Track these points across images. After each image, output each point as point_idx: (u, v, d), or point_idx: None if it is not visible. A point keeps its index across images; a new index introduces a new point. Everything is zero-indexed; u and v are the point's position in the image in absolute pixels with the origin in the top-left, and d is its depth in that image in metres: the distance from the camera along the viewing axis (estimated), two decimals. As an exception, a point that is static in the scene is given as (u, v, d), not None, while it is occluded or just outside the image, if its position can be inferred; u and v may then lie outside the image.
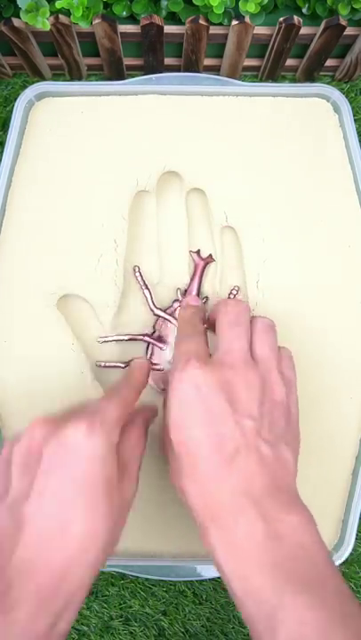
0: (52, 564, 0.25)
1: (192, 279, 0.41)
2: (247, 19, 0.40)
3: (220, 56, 0.46)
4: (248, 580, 0.25)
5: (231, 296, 0.41)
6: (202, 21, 0.40)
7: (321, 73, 0.48)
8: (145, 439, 0.32)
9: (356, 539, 0.40)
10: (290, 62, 0.47)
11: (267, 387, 0.30)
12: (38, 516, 0.25)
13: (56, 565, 0.25)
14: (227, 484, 0.27)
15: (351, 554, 0.38)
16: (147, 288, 0.41)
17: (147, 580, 0.43)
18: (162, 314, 0.41)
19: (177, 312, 0.41)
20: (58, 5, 0.38)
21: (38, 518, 0.25)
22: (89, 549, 0.25)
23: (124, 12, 0.42)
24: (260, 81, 0.48)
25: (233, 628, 0.43)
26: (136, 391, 0.32)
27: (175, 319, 0.41)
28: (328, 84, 0.47)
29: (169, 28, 0.42)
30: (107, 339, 0.40)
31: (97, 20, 0.39)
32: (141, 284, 0.41)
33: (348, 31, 0.42)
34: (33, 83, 0.45)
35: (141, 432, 0.31)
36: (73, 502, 0.26)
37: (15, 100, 0.42)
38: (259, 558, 0.25)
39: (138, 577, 0.43)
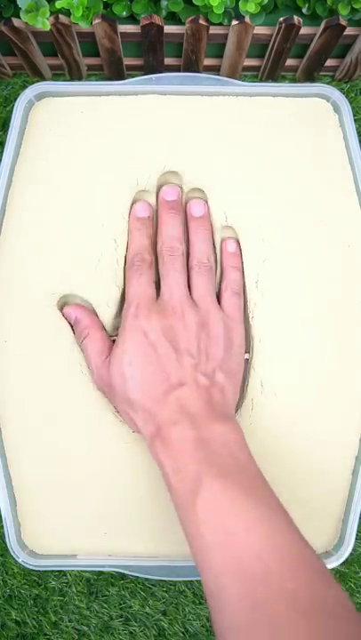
0: None
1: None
2: (247, 19, 0.40)
3: (220, 56, 0.46)
4: (180, 471, 0.31)
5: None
6: (202, 21, 0.40)
7: (321, 73, 0.48)
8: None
9: (357, 539, 0.40)
10: (290, 62, 0.47)
11: (205, 325, 0.36)
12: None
13: None
14: (168, 407, 0.33)
15: (351, 554, 0.38)
16: None
17: (147, 579, 0.43)
18: None
19: None
20: (58, 5, 0.38)
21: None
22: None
23: (124, 12, 0.42)
24: (260, 81, 0.48)
25: (233, 627, 0.43)
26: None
27: None
28: (328, 83, 0.47)
29: (169, 28, 0.42)
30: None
31: (97, 20, 0.39)
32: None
33: (349, 31, 0.42)
34: (33, 83, 0.45)
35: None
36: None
37: (15, 99, 0.42)
38: (189, 455, 0.31)
39: (138, 577, 0.43)
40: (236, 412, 0.39)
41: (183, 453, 0.32)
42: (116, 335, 0.40)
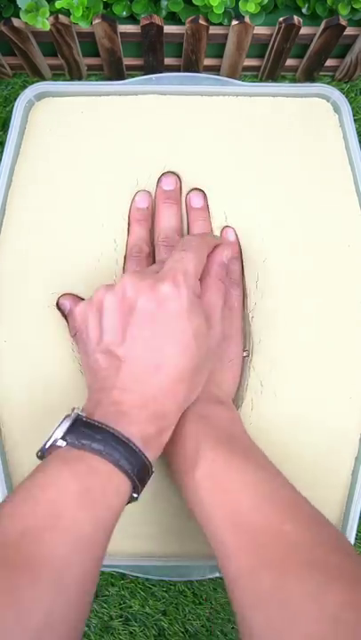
0: (147, 395, 0.29)
1: None
2: (247, 19, 0.40)
3: (220, 56, 0.46)
4: (182, 444, 0.32)
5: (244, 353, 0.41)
6: (202, 21, 0.40)
7: (321, 73, 0.48)
8: (223, 285, 0.36)
9: (357, 539, 0.40)
10: (290, 62, 0.47)
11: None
12: (133, 357, 0.30)
13: (151, 395, 0.29)
14: (175, 398, 0.32)
15: (351, 554, 0.38)
16: None
17: (147, 580, 0.43)
18: None
19: None
20: (58, 5, 0.38)
21: (133, 359, 0.30)
22: (179, 387, 0.30)
23: (124, 12, 0.42)
24: (260, 81, 0.48)
25: (233, 627, 0.43)
26: (208, 246, 0.36)
27: None
28: (328, 83, 0.47)
29: (169, 28, 0.42)
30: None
31: (97, 20, 0.39)
32: None
33: (349, 31, 0.42)
34: (33, 83, 0.45)
35: (218, 282, 0.36)
36: (164, 347, 0.30)
37: (15, 99, 0.42)
38: (189, 430, 0.32)
39: (138, 577, 0.43)
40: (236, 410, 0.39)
41: (184, 431, 0.32)
42: None
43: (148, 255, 0.39)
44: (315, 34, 0.42)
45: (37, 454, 0.29)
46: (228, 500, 0.29)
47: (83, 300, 0.39)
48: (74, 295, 0.39)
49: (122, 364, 0.30)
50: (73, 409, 0.29)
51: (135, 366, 0.30)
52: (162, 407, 0.30)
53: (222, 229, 0.41)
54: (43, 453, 0.28)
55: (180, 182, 0.42)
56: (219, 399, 0.35)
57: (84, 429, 0.28)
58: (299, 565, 0.25)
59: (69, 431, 0.28)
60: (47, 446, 0.28)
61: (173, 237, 0.39)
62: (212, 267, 0.36)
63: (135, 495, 0.29)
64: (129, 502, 0.29)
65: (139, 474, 0.28)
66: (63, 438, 0.28)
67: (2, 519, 0.25)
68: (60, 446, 0.28)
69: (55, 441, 0.28)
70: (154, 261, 0.39)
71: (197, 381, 0.32)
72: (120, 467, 0.27)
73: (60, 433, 0.28)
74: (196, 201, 0.41)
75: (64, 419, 0.29)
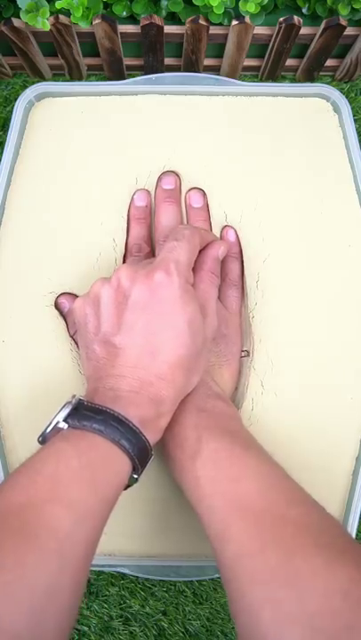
0: (145, 380, 0.30)
1: None
2: (247, 19, 0.40)
3: (220, 56, 0.46)
4: (183, 436, 0.32)
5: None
6: (202, 21, 0.40)
7: (321, 73, 0.48)
8: (216, 278, 0.36)
9: (357, 539, 0.40)
10: (290, 62, 0.47)
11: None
12: (130, 345, 0.31)
13: (148, 381, 0.30)
14: (173, 384, 0.32)
15: (351, 554, 0.38)
16: None
17: (147, 579, 0.43)
18: None
19: None
20: (58, 5, 0.38)
21: (130, 347, 0.31)
22: (176, 373, 0.31)
23: (124, 13, 0.42)
24: (260, 81, 0.48)
25: (233, 627, 0.43)
26: (201, 237, 0.36)
27: None
28: (328, 83, 0.47)
29: (169, 28, 0.42)
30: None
31: (97, 21, 0.39)
32: None
33: (349, 31, 0.42)
34: (33, 83, 0.45)
35: (211, 275, 0.36)
36: (159, 333, 0.31)
37: (15, 100, 0.42)
38: (190, 422, 0.33)
39: (138, 577, 0.43)
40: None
41: (184, 423, 0.33)
42: None
43: (147, 254, 0.39)
44: (315, 34, 0.42)
45: (39, 439, 0.29)
46: (232, 488, 0.29)
47: None
48: (72, 294, 0.39)
49: (118, 351, 0.31)
50: (73, 396, 0.30)
51: (131, 353, 0.31)
52: (159, 392, 0.30)
53: (222, 229, 0.41)
54: (44, 438, 0.29)
55: (180, 181, 0.42)
56: (218, 395, 0.35)
57: (84, 412, 0.28)
58: (306, 545, 0.25)
59: (70, 415, 0.29)
60: (49, 430, 0.29)
61: None
62: (206, 260, 0.36)
63: (135, 476, 0.29)
64: (129, 486, 0.30)
65: (139, 454, 0.28)
66: (65, 421, 0.28)
67: (3, 490, 0.25)
68: (61, 428, 0.28)
69: (57, 424, 0.28)
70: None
71: (195, 368, 0.32)
72: (120, 445, 0.28)
73: (61, 416, 0.29)
74: (196, 200, 0.41)
75: (65, 404, 0.29)
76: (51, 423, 0.29)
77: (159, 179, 0.41)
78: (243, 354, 0.39)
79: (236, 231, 0.41)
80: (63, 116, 0.42)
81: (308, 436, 0.39)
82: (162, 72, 0.46)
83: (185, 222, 0.41)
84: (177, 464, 0.32)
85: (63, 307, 0.39)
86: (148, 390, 0.30)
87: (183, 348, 0.31)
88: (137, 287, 0.31)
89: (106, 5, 0.41)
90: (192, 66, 0.46)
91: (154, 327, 0.31)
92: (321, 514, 0.28)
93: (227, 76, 0.46)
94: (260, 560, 0.25)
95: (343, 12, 0.40)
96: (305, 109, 0.43)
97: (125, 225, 0.41)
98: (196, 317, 0.32)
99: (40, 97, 0.42)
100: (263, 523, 0.27)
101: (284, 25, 0.40)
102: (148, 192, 0.41)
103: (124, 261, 0.40)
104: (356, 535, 0.38)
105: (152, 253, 0.40)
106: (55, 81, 0.48)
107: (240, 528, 0.27)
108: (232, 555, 0.27)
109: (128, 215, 0.41)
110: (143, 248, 0.39)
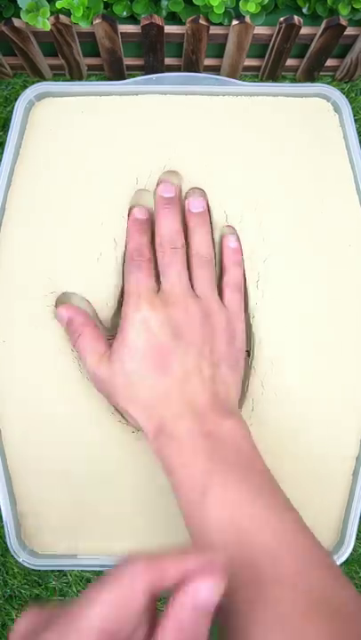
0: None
1: None
2: (247, 19, 0.40)
3: (221, 56, 0.46)
4: (187, 466, 0.31)
5: None
6: (202, 21, 0.40)
7: (321, 73, 0.48)
8: None
9: (357, 539, 0.40)
10: (290, 62, 0.47)
11: (208, 316, 0.36)
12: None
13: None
14: (173, 401, 0.33)
15: (351, 554, 0.38)
16: None
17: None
18: None
19: None
20: (58, 5, 0.38)
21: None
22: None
23: (125, 12, 0.42)
24: (261, 81, 0.48)
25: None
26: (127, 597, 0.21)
27: None
28: (328, 83, 0.47)
29: (169, 28, 0.42)
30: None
31: (97, 20, 0.39)
32: None
33: (349, 31, 0.42)
34: (33, 83, 0.45)
35: None
36: None
37: (15, 100, 0.42)
38: (197, 450, 0.31)
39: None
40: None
41: (190, 448, 0.31)
42: (115, 335, 0.40)
43: (149, 260, 0.38)
44: (315, 34, 0.42)
45: None
46: (243, 542, 0.27)
47: (80, 309, 0.38)
48: (69, 305, 0.39)
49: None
50: None
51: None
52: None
53: (222, 238, 0.41)
54: None
55: (181, 182, 0.41)
56: (229, 409, 0.34)
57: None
58: (314, 627, 0.24)
59: None
60: None
61: (175, 240, 0.38)
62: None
63: None
64: None
65: None
66: None
67: None
68: None
69: None
70: (155, 265, 0.39)
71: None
72: None
73: None
74: (196, 205, 0.40)
75: None
76: None
77: (158, 188, 0.41)
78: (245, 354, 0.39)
79: (237, 237, 0.41)
80: (63, 116, 0.42)
81: (308, 436, 0.39)
82: (162, 72, 0.46)
83: (186, 225, 0.40)
84: (181, 489, 0.31)
85: (62, 317, 0.38)
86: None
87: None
88: None
89: (106, 5, 0.41)
90: (192, 66, 0.46)
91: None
92: (332, 583, 0.26)
93: (227, 76, 0.46)
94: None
95: (344, 11, 0.40)
96: (305, 109, 0.43)
97: (126, 225, 0.41)
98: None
99: (40, 97, 0.42)
100: (270, 594, 0.25)
101: (284, 25, 0.40)
102: (147, 209, 0.41)
103: (124, 262, 0.40)
104: (357, 535, 0.38)
105: (153, 259, 0.39)
106: (55, 81, 0.48)
107: (244, 597, 0.25)
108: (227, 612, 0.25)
109: (128, 225, 0.40)
110: (144, 254, 0.38)
